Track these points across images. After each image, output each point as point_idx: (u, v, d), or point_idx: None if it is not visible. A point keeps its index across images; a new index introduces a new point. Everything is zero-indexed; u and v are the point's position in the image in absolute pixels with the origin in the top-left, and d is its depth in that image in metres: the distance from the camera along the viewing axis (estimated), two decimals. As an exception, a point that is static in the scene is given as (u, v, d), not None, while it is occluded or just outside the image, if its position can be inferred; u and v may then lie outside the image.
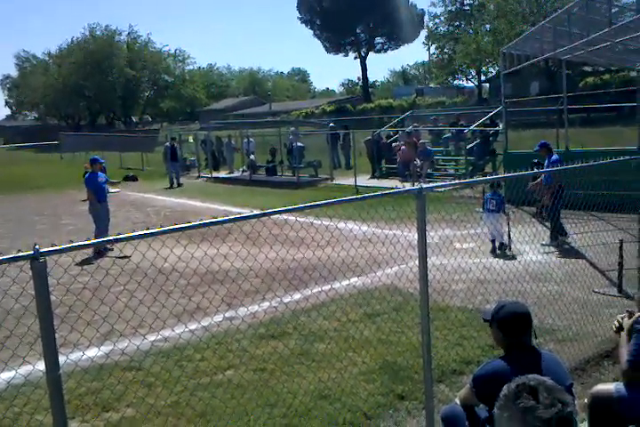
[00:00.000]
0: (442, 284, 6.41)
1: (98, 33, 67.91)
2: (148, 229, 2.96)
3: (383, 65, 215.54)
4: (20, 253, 2.53)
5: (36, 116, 77.66)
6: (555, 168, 7.51)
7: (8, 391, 4.15)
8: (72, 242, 2.71)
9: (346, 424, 4.33)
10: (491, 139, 18.66)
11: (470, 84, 59.49)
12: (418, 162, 18.54)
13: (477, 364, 4.94)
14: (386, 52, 68.27)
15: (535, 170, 10.04)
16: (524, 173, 6.82)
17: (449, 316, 6.33)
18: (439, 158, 20.48)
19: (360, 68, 67.92)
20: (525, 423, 1.71)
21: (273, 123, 34.00)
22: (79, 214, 14.34)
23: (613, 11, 10.64)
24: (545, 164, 9.94)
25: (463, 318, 6.13)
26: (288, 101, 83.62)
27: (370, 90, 71.45)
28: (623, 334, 3.67)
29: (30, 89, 67.91)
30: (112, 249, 10.47)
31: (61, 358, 2.67)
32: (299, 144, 22.45)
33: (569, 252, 8.98)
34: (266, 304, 6.77)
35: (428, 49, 58.55)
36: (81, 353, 4.04)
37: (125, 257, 9.02)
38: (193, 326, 5.69)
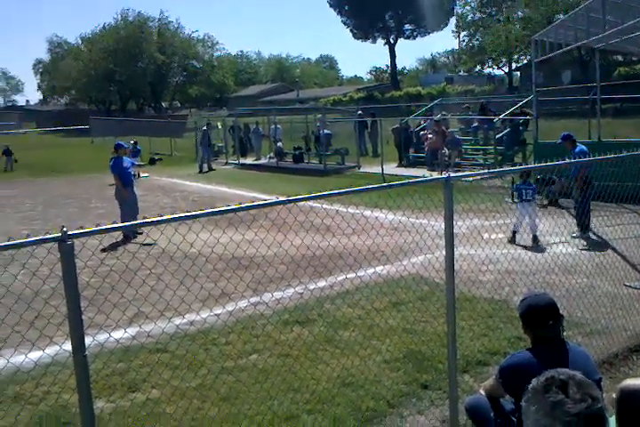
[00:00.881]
0: (469, 274, 6.35)
1: (130, 19, 68.25)
2: (174, 213, 2.96)
3: (412, 52, 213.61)
4: (48, 236, 2.55)
5: (68, 101, 78.51)
6: (582, 159, 7.37)
7: (36, 370, 4.22)
8: (99, 225, 2.72)
9: (369, 412, 4.33)
10: (521, 128, 18.35)
11: (500, 73, 58.63)
12: (446, 151, 18.34)
13: (503, 355, 4.89)
14: (415, 39, 67.45)
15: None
16: (555, 162, 6.72)
17: (475, 306, 6.27)
18: (467, 148, 20.23)
19: (389, 55, 67.31)
20: (554, 418, 1.67)
21: (301, 110, 33.94)
22: (108, 198, 14.48)
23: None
24: (572, 156, 9.73)
25: (490, 308, 6.07)
26: (316, 88, 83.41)
27: (398, 77, 70.77)
28: None
29: (62, 74, 68.59)
30: (141, 233, 10.50)
31: (88, 340, 2.70)
32: (326, 131, 22.36)
33: (599, 244, 8.82)
34: (291, 291, 6.78)
35: (458, 36, 57.73)
36: (107, 335, 4.09)
37: (149, 244, 9.04)
38: (218, 311, 5.72)
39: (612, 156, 5.11)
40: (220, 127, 28.32)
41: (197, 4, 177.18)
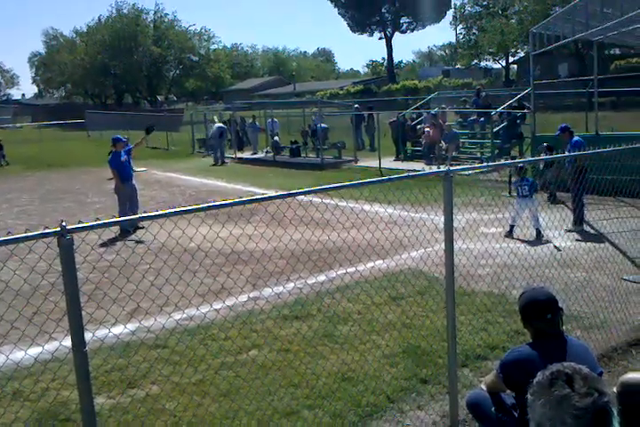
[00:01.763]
0: (467, 268, 6.34)
1: (124, 11, 67.87)
2: (172, 208, 2.94)
3: (409, 46, 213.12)
4: (47, 230, 2.53)
5: (63, 94, 78.18)
6: (578, 152, 7.37)
7: (35, 367, 4.21)
8: (98, 219, 2.70)
9: (369, 407, 4.32)
10: (518, 122, 18.33)
11: (497, 66, 58.57)
12: (443, 144, 18.32)
13: (503, 349, 4.90)
14: (412, 32, 67.35)
15: (547, 154, 9.86)
16: (555, 156, 6.71)
17: (474, 300, 6.27)
18: (465, 141, 20.21)
19: (385, 48, 67.14)
20: (561, 412, 1.67)
21: (297, 103, 33.84)
22: (106, 193, 14.46)
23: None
24: (568, 147, 9.71)
25: (489, 302, 6.06)
26: (312, 82, 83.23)
27: (395, 71, 70.64)
28: None
29: (57, 67, 68.31)
30: (142, 227, 10.31)
31: (87, 335, 2.68)
32: (323, 125, 22.30)
33: (595, 237, 8.82)
34: (290, 285, 6.77)
35: (455, 29, 57.63)
36: (107, 330, 4.07)
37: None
38: (218, 306, 5.71)
39: (610, 149, 5.10)
40: (216, 121, 28.25)
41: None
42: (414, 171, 4.36)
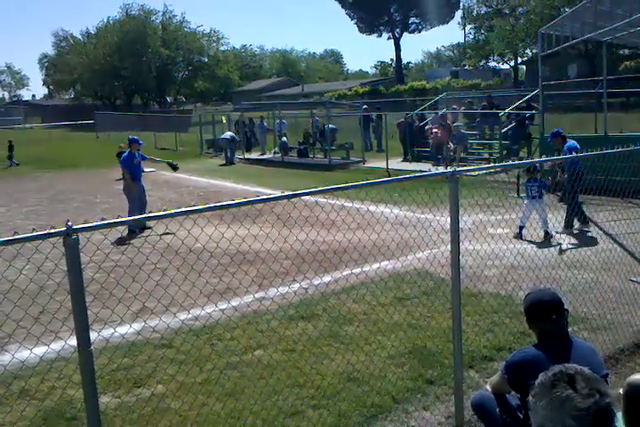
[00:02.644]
0: (474, 269, 6.33)
1: (134, 13, 68.05)
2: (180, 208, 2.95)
3: (417, 46, 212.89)
4: (53, 230, 2.54)
5: (73, 95, 78.51)
6: (579, 154, 7.35)
7: (41, 366, 4.23)
8: (104, 219, 2.71)
9: (374, 407, 4.32)
10: (527, 122, 18.26)
11: (506, 67, 58.36)
12: (451, 145, 18.28)
13: (509, 351, 4.88)
14: (420, 32, 67.30)
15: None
16: (561, 157, 6.68)
17: (480, 301, 6.25)
18: (473, 142, 20.15)
19: (394, 48, 67.06)
20: (562, 413, 1.66)
21: (306, 104, 33.85)
22: (114, 193, 14.52)
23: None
24: (564, 152, 9.66)
25: (495, 303, 6.05)
26: (321, 83, 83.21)
27: (403, 71, 70.55)
28: None
29: (67, 68, 68.60)
30: (150, 227, 10.34)
31: (93, 335, 2.69)
32: (331, 126, 22.30)
33: (595, 240, 8.78)
34: (296, 286, 6.77)
35: (464, 30, 57.48)
36: (112, 330, 4.09)
37: (168, 234, 8.95)
38: (223, 306, 5.72)
39: (620, 149, 5.07)
40: (224, 122, 28.34)
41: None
42: (421, 172, 4.36)
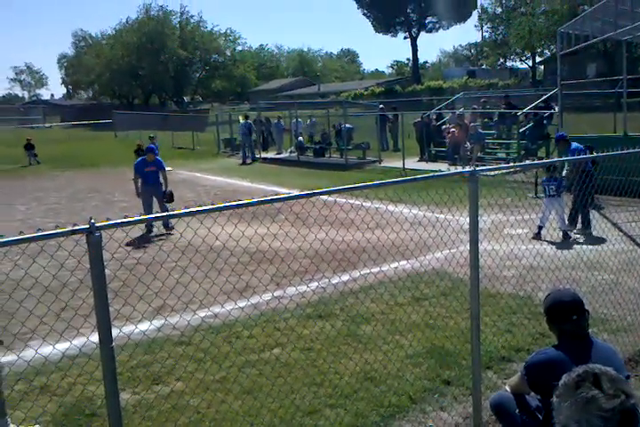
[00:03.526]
0: (492, 269, 6.29)
1: (152, 13, 68.51)
2: (199, 206, 2.97)
3: (434, 46, 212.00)
4: (77, 227, 2.56)
5: (91, 95, 79.22)
6: (586, 156, 7.31)
7: (63, 362, 4.27)
8: (127, 217, 2.74)
9: (391, 407, 4.31)
10: (545, 122, 18.11)
11: (524, 66, 57.95)
12: (468, 145, 18.18)
13: (527, 352, 4.85)
14: (437, 31, 67.05)
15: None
16: (580, 157, 6.62)
17: (499, 302, 6.22)
18: (490, 142, 20.02)
19: (410, 48, 66.84)
20: (587, 414, 1.65)
21: (322, 104, 33.87)
22: (131, 192, 14.57)
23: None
24: (569, 155, 9.59)
25: (514, 304, 6.01)
26: (337, 82, 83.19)
27: (420, 71, 70.30)
28: None
29: (85, 68, 69.23)
30: (172, 227, 10.61)
31: (114, 331, 2.71)
32: (347, 126, 22.29)
33: (626, 241, 8.68)
34: (314, 285, 6.78)
35: (481, 29, 57.15)
36: (133, 327, 4.12)
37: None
38: (242, 304, 5.74)
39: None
40: (242, 121, 28.44)
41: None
42: (439, 171, 4.34)
